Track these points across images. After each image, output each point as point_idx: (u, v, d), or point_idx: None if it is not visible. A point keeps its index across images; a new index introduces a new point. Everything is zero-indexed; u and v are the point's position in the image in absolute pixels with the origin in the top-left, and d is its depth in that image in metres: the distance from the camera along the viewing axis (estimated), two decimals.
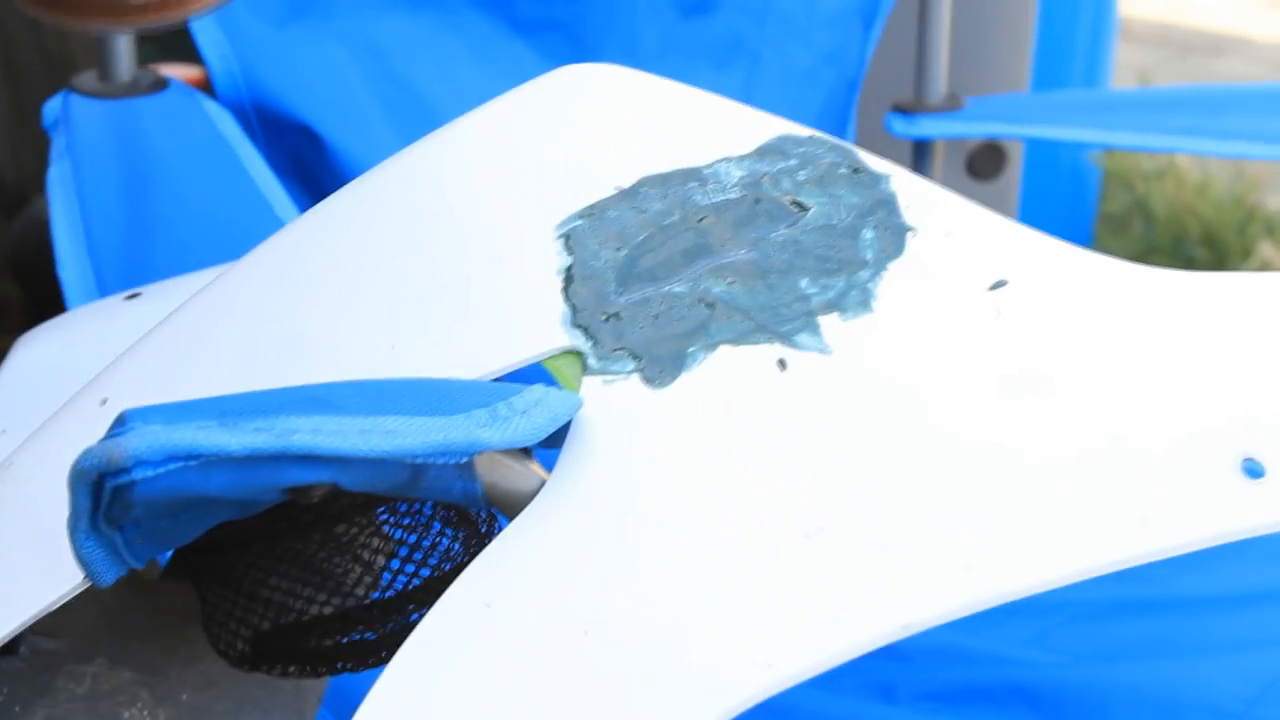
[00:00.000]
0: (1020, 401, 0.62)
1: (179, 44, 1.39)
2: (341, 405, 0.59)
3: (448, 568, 0.73)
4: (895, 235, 0.68)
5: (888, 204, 0.69)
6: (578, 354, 0.65)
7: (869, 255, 0.67)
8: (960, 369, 0.64)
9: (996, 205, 1.65)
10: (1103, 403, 0.62)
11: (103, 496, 0.58)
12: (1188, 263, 2.73)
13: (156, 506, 0.59)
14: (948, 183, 1.52)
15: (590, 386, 0.64)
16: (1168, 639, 1.08)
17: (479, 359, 0.65)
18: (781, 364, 0.64)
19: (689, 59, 1.39)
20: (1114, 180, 2.89)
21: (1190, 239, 2.75)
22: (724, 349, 0.65)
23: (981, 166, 1.65)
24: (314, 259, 0.69)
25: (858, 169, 0.70)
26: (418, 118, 1.30)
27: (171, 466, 0.56)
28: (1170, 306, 0.66)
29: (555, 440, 0.63)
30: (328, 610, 0.74)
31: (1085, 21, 2.38)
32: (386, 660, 0.72)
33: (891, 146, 1.43)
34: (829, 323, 0.65)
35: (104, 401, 0.69)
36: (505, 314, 0.66)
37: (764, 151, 0.71)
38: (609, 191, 0.69)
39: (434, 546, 0.73)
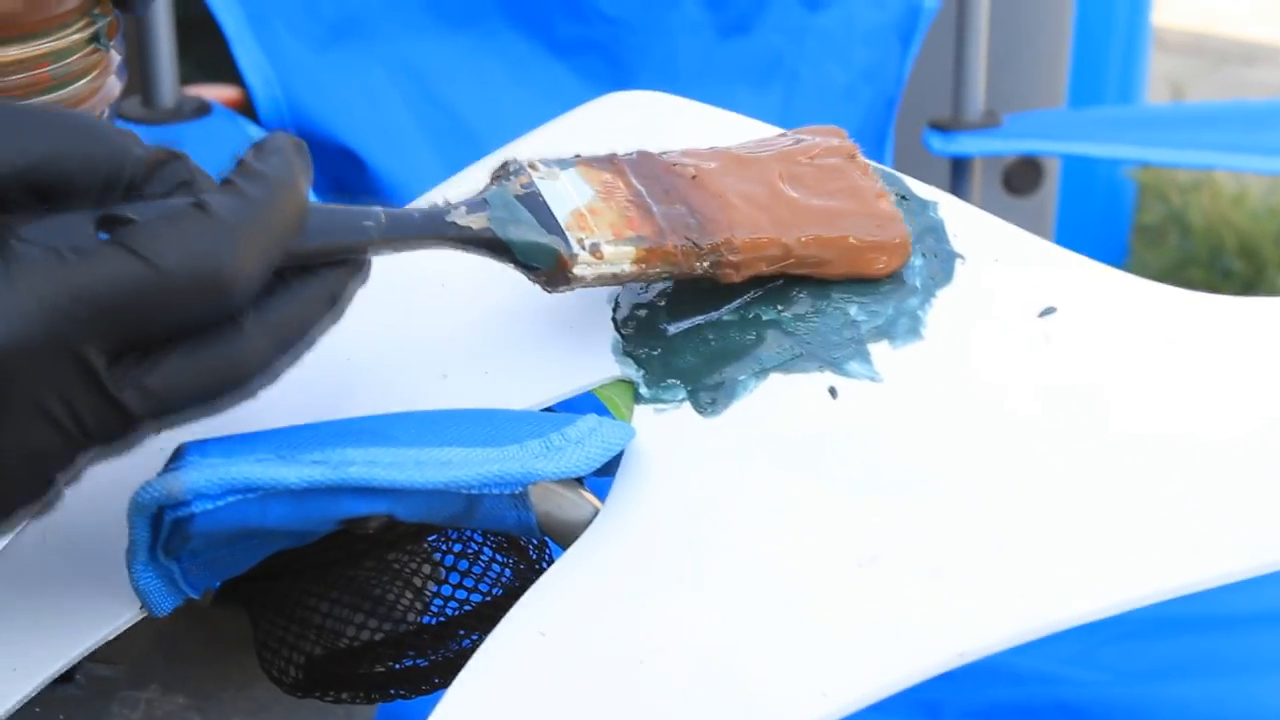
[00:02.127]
0: (1071, 428, 0.63)
1: (214, 64, 1.40)
2: (397, 437, 0.60)
3: (498, 593, 0.74)
4: (944, 262, 0.68)
5: (936, 231, 0.69)
6: (629, 383, 0.65)
7: (918, 282, 0.68)
8: (1011, 396, 0.64)
9: (1033, 220, 1.66)
10: (1154, 429, 0.62)
11: (161, 529, 0.58)
12: (1224, 274, 2.73)
13: (214, 538, 0.59)
14: (985, 199, 1.53)
15: (642, 415, 0.65)
16: (1214, 657, 1.07)
17: (531, 388, 0.66)
18: (832, 392, 0.65)
19: (727, 79, 1.40)
20: (1149, 192, 2.88)
21: (1227, 250, 2.75)
22: (774, 377, 0.65)
23: (1019, 182, 1.65)
24: (366, 287, 0.70)
25: (905, 196, 0.71)
26: (458, 139, 1.31)
27: (230, 499, 0.57)
28: (1221, 332, 0.66)
29: (608, 469, 0.63)
30: (379, 636, 0.74)
31: (1119, 33, 2.38)
32: (439, 687, 0.73)
33: (929, 163, 1.44)
34: (879, 350, 0.66)
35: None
36: (557, 343, 0.67)
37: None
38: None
39: (484, 573, 0.73)
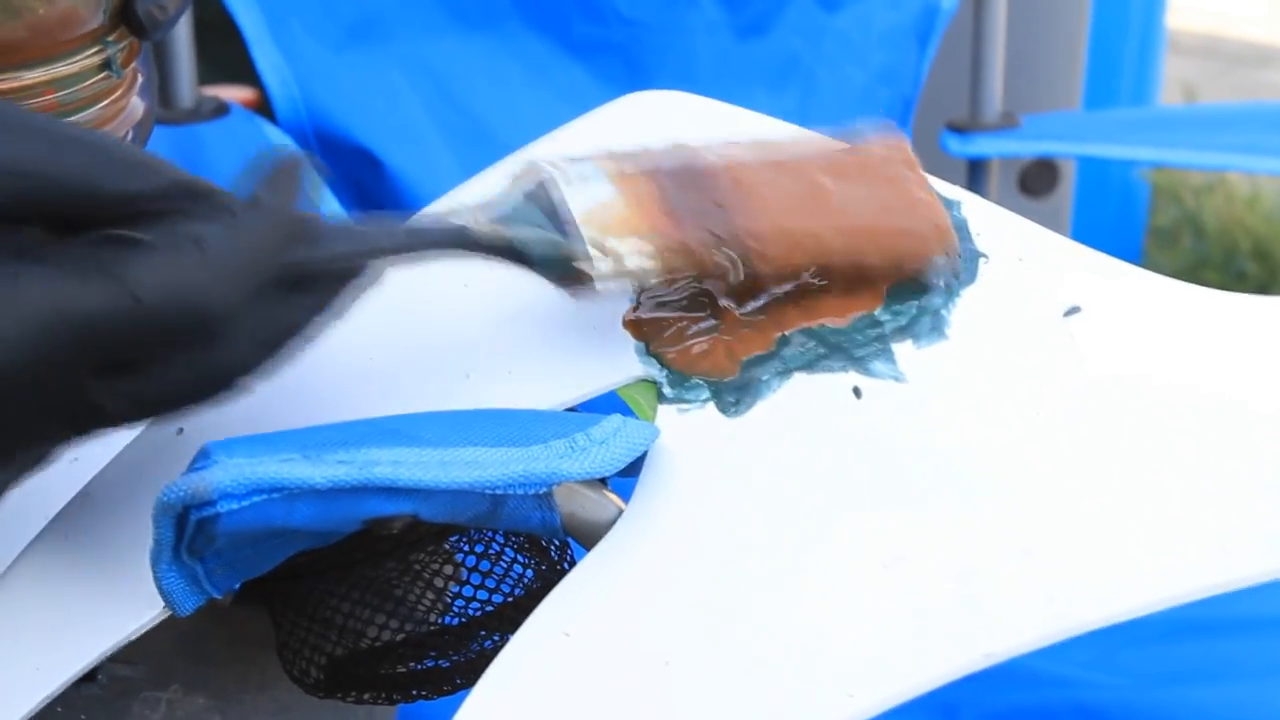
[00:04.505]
0: (1097, 428, 0.62)
1: (229, 65, 1.40)
2: (421, 437, 0.59)
3: (520, 594, 0.74)
4: (968, 261, 0.68)
5: (960, 230, 0.69)
6: (652, 383, 0.65)
7: (941, 281, 0.67)
8: (1036, 396, 0.64)
9: (1049, 222, 1.66)
10: (1182, 430, 0.62)
11: (186, 529, 0.58)
12: (1239, 276, 2.72)
13: (238, 537, 0.59)
14: (1001, 200, 1.52)
15: (666, 415, 0.64)
16: (1234, 660, 1.07)
17: (554, 388, 0.65)
18: (856, 391, 0.64)
19: (744, 80, 1.40)
20: (1163, 194, 2.88)
21: (1241, 253, 2.74)
22: (798, 376, 0.65)
23: (1034, 183, 1.65)
24: (388, 288, 0.70)
25: None
26: (475, 140, 1.31)
27: (255, 499, 0.57)
28: (1249, 332, 0.66)
29: (631, 469, 0.63)
30: (400, 637, 0.74)
31: (1134, 35, 2.38)
32: (461, 688, 0.73)
33: (946, 165, 1.43)
34: (903, 350, 0.65)
35: (180, 431, 0.70)
36: (580, 343, 0.67)
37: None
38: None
39: (506, 573, 0.73)
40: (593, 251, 0.62)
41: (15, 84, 0.62)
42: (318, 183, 0.58)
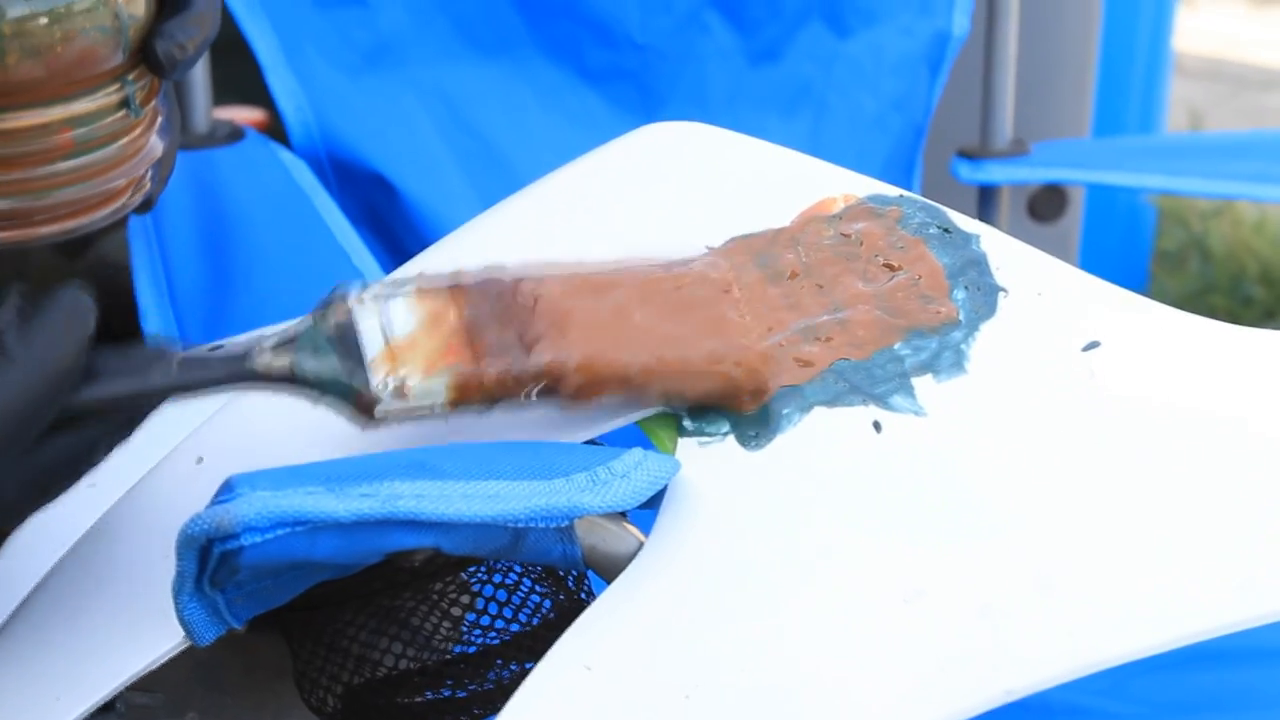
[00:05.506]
0: (1117, 463, 0.63)
1: (238, 86, 1.40)
2: (444, 470, 0.60)
3: (536, 623, 0.74)
4: (987, 296, 0.68)
5: (979, 264, 0.69)
6: (673, 416, 0.65)
7: (961, 316, 0.67)
8: (1056, 431, 0.64)
9: (1057, 247, 1.66)
10: (1201, 464, 0.62)
11: (209, 561, 0.58)
12: (1245, 301, 2.72)
13: (260, 569, 0.59)
14: (1010, 225, 1.53)
15: (686, 449, 0.65)
16: (1248, 690, 1.07)
17: (575, 421, 0.65)
18: (876, 426, 0.65)
19: (757, 107, 1.40)
20: (1169, 218, 2.88)
21: (1248, 277, 2.74)
22: (819, 410, 0.65)
23: (1043, 209, 1.65)
24: None
25: (948, 229, 0.71)
26: (489, 165, 1.31)
27: (279, 532, 0.57)
28: (1269, 367, 0.66)
29: (652, 502, 0.63)
30: (416, 666, 0.74)
31: (1141, 60, 2.39)
32: (478, 719, 0.73)
33: (956, 191, 1.44)
34: (923, 384, 0.66)
35: (200, 460, 0.70)
36: None
37: (854, 212, 0.71)
38: (700, 253, 0.69)
39: (523, 603, 0.73)
40: (378, 389, 0.61)
41: (33, 121, 0.62)
42: (93, 321, 0.58)
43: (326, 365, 0.62)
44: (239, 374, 0.62)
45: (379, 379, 0.61)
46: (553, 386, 0.63)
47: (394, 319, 0.62)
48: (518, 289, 0.64)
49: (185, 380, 0.61)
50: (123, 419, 0.60)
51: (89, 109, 0.63)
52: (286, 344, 0.62)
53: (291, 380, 0.62)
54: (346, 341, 0.62)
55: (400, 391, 0.61)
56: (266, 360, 0.62)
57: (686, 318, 0.65)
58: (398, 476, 0.59)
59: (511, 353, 0.63)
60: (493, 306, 0.63)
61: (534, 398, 0.63)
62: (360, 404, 0.62)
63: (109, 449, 0.61)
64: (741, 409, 0.65)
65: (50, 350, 0.58)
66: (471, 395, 0.62)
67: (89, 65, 0.62)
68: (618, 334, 0.64)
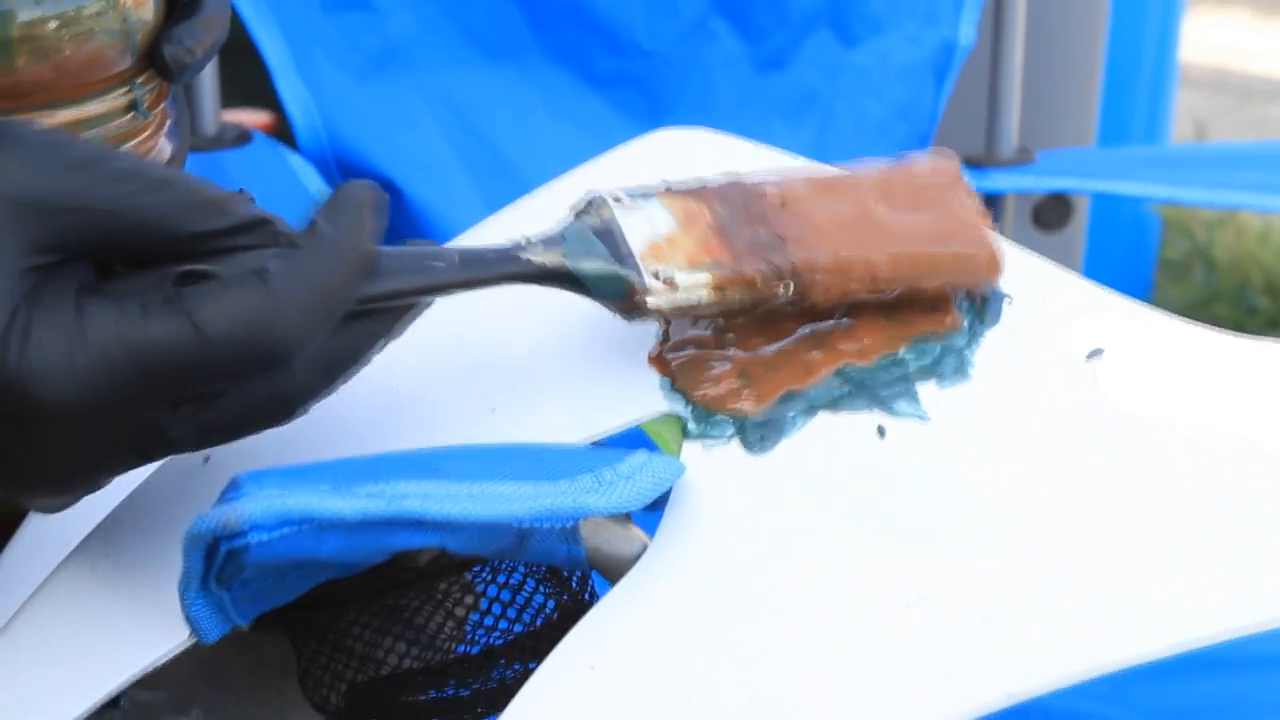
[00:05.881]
0: (1121, 471, 0.63)
1: (244, 85, 1.41)
2: (449, 470, 0.60)
3: (540, 623, 0.74)
4: (992, 303, 0.69)
5: None
6: (677, 419, 0.66)
7: (965, 323, 0.68)
8: (1060, 438, 0.64)
9: (1062, 256, 1.66)
10: (1203, 473, 0.63)
11: (216, 559, 0.59)
12: (1249, 311, 2.72)
13: (266, 568, 0.60)
14: (1015, 233, 1.53)
15: (690, 451, 0.65)
16: (1247, 698, 1.07)
17: (579, 422, 0.66)
18: (880, 431, 0.65)
19: (763, 113, 1.40)
20: (1174, 228, 2.88)
21: (1252, 287, 2.74)
22: (823, 415, 0.65)
23: (1048, 218, 1.66)
24: (416, 322, 0.70)
25: None
26: (496, 171, 1.32)
27: (286, 531, 0.58)
28: (1271, 376, 0.66)
29: (656, 504, 0.63)
30: (420, 665, 0.75)
31: (1146, 70, 2.39)
32: (481, 717, 0.73)
33: None
34: (926, 390, 0.66)
35: (206, 459, 0.70)
36: (605, 377, 0.67)
37: None
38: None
39: (527, 603, 0.74)
40: (650, 282, 0.63)
41: (42, 124, 0.62)
42: (386, 213, 0.59)
43: (601, 264, 0.63)
44: (515, 268, 0.63)
45: (647, 272, 0.63)
46: (806, 284, 0.65)
47: (654, 219, 0.65)
48: (764, 191, 0.66)
49: (465, 275, 0.62)
50: (395, 316, 0.61)
51: (97, 112, 0.63)
52: (553, 241, 0.64)
53: (564, 275, 0.63)
54: (611, 238, 0.64)
55: (669, 283, 0.63)
56: (540, 255, 0.63)
57: (922, 206, 0.67)
58: (404, 476, 0.59)
59: (765, 250, 0.65)
60: (742, 207, 0.66)
61: (790, 293, 0.65)
62: (632, 295, 0.63)
63: (383, 345, 0.61)
64: (978, 292, 0.67)
65: (356, 235, 0.58)
66: (733, 289, 0.64)
67: (97, 68, 0.62)
68: (861, 231, 0.66)
